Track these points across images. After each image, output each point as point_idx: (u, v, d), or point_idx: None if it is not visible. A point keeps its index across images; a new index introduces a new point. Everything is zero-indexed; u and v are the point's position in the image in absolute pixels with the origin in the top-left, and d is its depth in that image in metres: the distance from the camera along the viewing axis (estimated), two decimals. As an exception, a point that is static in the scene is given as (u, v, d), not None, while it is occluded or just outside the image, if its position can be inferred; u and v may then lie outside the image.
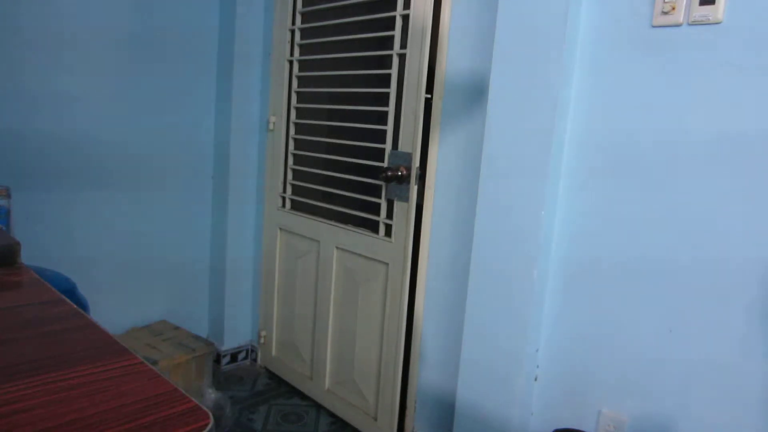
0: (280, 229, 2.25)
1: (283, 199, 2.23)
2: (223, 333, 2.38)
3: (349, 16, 1.90)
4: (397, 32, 1.72)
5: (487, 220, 1.45)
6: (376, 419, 1.90)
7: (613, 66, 1.29)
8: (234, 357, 2.43)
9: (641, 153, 1.26)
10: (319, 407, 2.13)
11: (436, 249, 1.71)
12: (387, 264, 1.81)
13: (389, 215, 1.80)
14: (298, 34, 2.10)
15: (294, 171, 2.18)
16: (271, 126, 2.23)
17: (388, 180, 1.73)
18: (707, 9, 1.14)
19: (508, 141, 1.39)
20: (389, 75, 1.75)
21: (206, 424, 0.43)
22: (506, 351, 1.43)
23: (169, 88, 2.15)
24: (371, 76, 1.87)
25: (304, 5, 2.06)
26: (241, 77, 2.22)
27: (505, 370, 1.44)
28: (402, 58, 1.72)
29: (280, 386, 2.28)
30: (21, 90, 1.81)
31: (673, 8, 1.18)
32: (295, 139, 2.16)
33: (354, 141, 1.89)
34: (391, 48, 1.75)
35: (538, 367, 1.47)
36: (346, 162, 1.95)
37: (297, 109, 2.15)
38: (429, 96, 1.68)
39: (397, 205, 1.77)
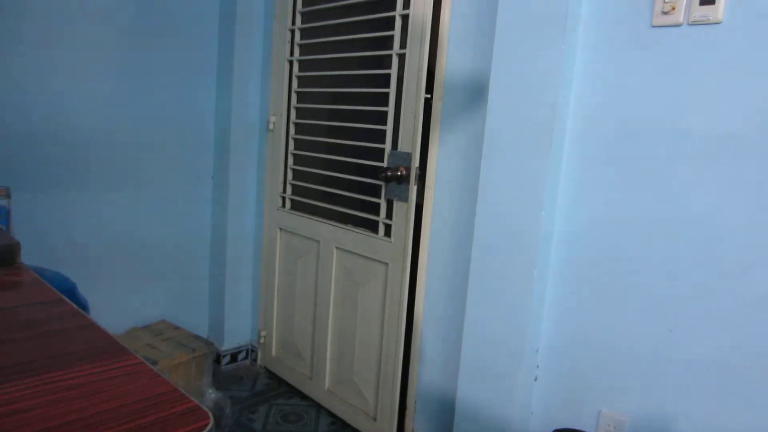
0: (280, 229, 2.25)
1: (283, 199, 2.23)
2: (223, 333, 2.38)
3: (349, 16, 1.90)
4: (396, 32, 1.73)
5: (487, 220, 1.45)
6: (375, 419, 1.90)
7: (614, 66, 1.29)
8: (234, 357, 2.43)
9: (641, 153, 1.26)
10: (319, 407, 2.13)
11: (436, 249, 1.71)
12: (387, 264, 1.81)
13: (389, 215, 1.80)
14: (298, 34, 2.10)
15: (294, 171, 2.18)
16: (271, 126, 2.23)
17: (387, 180, 1.73)
18: (707, 9, 1.14)
19: (508, 141, 1.39)
20: (389, 75, 1.75)
21: (206, 424, 0.43)
22: (506, 351, 1.43)
23: (170, 87, 2.15)
24: (371, 76, 1.87)
25: (304, 5, 2.06)
26: (241, 77, 2.22)
27: (505, 370, 1.44)
28: (402, 58, 1.72)
29: (280, 386, 2.28)
30: (21, 90, 1.81)
31: (673, 8, 1.18)
32: (295, 139, 2.16)
33: (354, 141, 1.89)
34: (391, 48, 1.75)
35: (538, 367, 1.47)
36: (346, 162, 1.95)
37: (297, 109, 2.15)
38: (429, 96, 1.68)
39: (397, 205, 1.77)
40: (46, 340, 0.57)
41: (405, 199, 1.73)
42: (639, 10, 1.24)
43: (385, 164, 1.78)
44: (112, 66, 2.00)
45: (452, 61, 1.62)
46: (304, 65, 2.11)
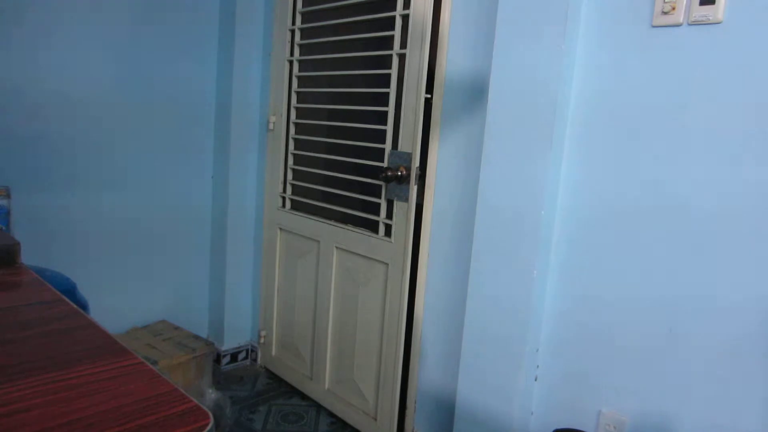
0: (280, 229, 2.25)
1: (283, 199, 2.23)
2: (223, 333, 2.38)
3: (349, 16, 1.90)
4: (397, 32, 1.73)
5: (487, 219, 1.45)
6: (375, 419, 1.90)
7: (614, 66, 1.29)
8: (234, 357, 2.43)
9: (641, 153, 1.26)
10: (319, 407, 2.13)
11: (436, 249, 1.71)
12: (387, 264, 1.81)
13: (389, 215, 1.80)
14: (298, 34, 2.10)
15: (294, 171, 2.18)
16: (271, 126, 2.23)
17: (388, 180, 1.73)
18: (707, 9, 1.14)
19: (508, 141, 1.39)
20: (389, 75, 1.75)
21: (206, 424, 0.43)
22: (506, 351, 1.44)
23: (170, 87, 2.15)
24: (371, 76, 1.87)
25: (304, 5, 2.06)
26: (240, 77, 2.22)
27: (505, 370, 1.44)
28: (402, 58, 1.72)
29: (280, 386, 2.28)
30: (21, 90, 1.81)
31: (673, 8, 1.18)
32: (295, 139, 2.16)
33: (354, 141, 1.89)
34: (391, 48, 1.75)
35: (538, 367, 1.47)
36: (346, 162, 1.95)
37: (297, 109, 2.15)
38: (429, 96, 1.68)
39: (397, 205, 1.77)
40: (46, 340, 0.57)
41: (405, 199, 1.73)
42: (639, 10, 1.24)
43: (385, 164, 1.78)
44: (113, 71, 2.00)
45: (452, 61, 1.62)
46: (304, 65, 2.11)
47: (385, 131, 1.78)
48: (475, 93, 1.56)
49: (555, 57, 1.30)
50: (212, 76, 2.28)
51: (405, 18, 1.70)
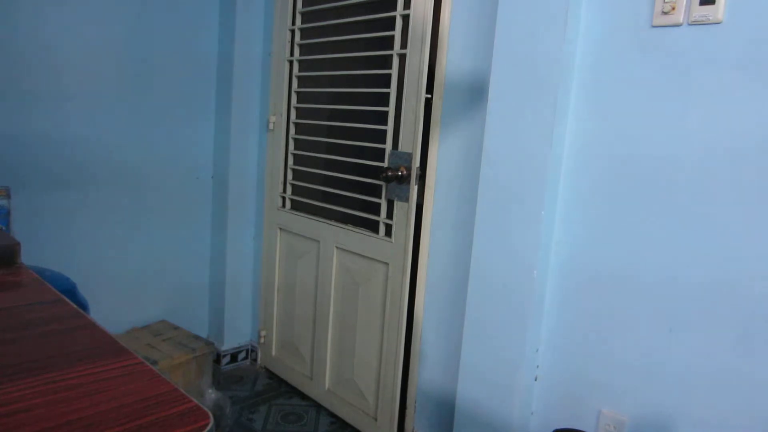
0: (280, 228, 2.25)
1: (283, 199, 2.23)
2: (223, 333, 2.38)
3: (349, 16, 1.90)
4: (397, 32, 1.72)
5: (487, 219, 1.45)
6: (376, 419, 1.90)
7: (613, 66, 1.29)
8: (234, 357, 2.43)
9: (641, 152, 1.26)
10: (319, 407, 2.13)
11: (436, 249, 1.71)
12: (387, 264, 1.81)
13: (389, 215, 1.80)
14: (298, 34, 2.10)
15: (294, 171, 2.18)
16: (271, 126, 2.23)
17: (388, 180, 1.73)
18: (707, 9, 1.14)
19: (508, 141, 1.39)
20: (389, 75, 1.75)
21: (206, 424, 0.43)
22: (506, 351, 1.43)
23: (170, 87, 2.15)
24: (371, 76, 1.87)
25: (304, 5, 2.06)
26: (240, 77, 2.22)
27: (505, 370, 1.44)
28: (402, 58, 1.72)
29: (280, 386, 2.28)
30: (21, 91, 1.81)
31: (673, 8, 1.18)
32: (295, 139, 2.16)
33: (354, 141, 1.89)
34: (392, 48, 1.75)
35: (538, 367, 1.47)
36: (346, 162, 1.95)
37: (297, 109, 2.15)
38: (429, 96, 1.68)
39: (397, 205, 1.77)
40: (46, 340, 0.57)
41: (405, 199, 1.73)
42: (639, 10, 1.24)
43: (385, 164, 1.78)
44: (113, 72, 2.00)
45: (452, 61, 1.62)
46: (304, 65, 2.11)
47: (385, 131, 1.78)
48: (475, 93, 1.56)
49: (555, 56, 1.30)
50: (212, 76, 2.28)
51: (405, 18, 1.70)
